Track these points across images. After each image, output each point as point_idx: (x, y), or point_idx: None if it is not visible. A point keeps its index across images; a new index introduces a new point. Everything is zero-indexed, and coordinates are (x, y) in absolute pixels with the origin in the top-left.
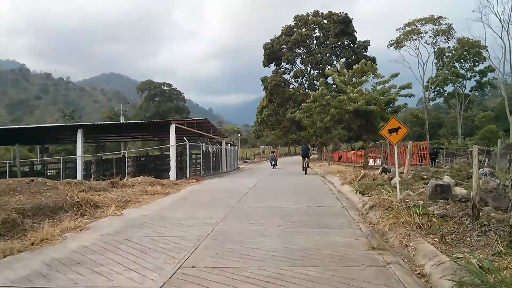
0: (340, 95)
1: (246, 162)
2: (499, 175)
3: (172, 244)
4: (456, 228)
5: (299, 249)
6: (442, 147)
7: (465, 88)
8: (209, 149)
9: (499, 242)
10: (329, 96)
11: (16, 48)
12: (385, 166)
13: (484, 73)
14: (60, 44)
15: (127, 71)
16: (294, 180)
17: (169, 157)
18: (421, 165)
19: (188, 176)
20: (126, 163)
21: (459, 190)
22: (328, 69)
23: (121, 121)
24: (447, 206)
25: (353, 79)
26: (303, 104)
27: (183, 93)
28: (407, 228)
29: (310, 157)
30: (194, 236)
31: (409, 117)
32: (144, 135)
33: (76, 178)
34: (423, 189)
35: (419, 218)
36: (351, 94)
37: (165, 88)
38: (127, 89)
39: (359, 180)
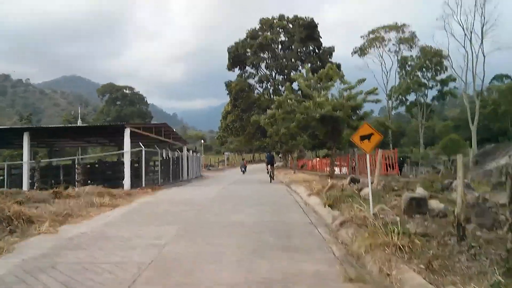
0: (305, 101)
1: (210, 169)
2: (476, 187)
3: (104, 275)
4: (441, 251)
5: (262, 281)
6: (408, 156)
7: (426, 97)
8: (169, 156)
9: (495, 269)
10: (294, 101)
11: None
12: (353, 176)
13: (446, 82)
14: (20, 45)
15: (89, 74)
16: (259, 189)
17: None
18: (387, 175)
19: (143, 185)
20: (76, 170)
21: (436, 204)
22: (294, 74)
23: (72, 125)
24: (426, 223)
25: (319, 84)
26: (268, 111)
27: (145, 97)
28: (386, 251)
29: (275, 165)
30: (135, 262)
31: (374, 125)
32: (100, 140)
33: (22, 187)
34: (396, 201)
35: (398, 239)
36: (317, 99)
37: (127, 91)
38: (88, 92)
39: (326, 191)
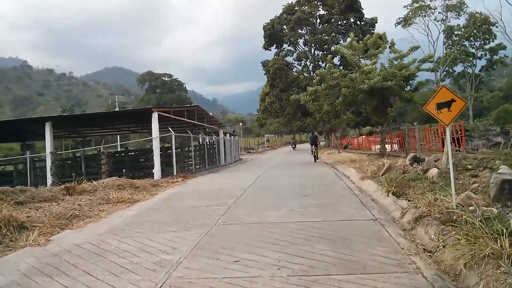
0: (351, 73)
1: (249, 152)
2: None
3: None
4: None
5: None
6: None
7: (475, 67)
8: (204, 141)
9: None
10: (338, 73)
11: (18, 45)
12: (416, 155)
13: (495, 51)
14: (62, 39)
15: (130, 64)
16: (302, 174)
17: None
18: (458, 151)
19: (175, 173)
20: (100, 160)
21: None
22: (336, 47)
23: (96, 112)
24: None
25: (365, 54)
26: (308, 87)
27: (184, 83)
28: (501, 270)
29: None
30: None
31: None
32: (131, 127)
33: (46, 182)
34: (476, 184)
35: None
36: (365, 68)
37: (166, 79)
38: (130, 82)
39: (383, 174)
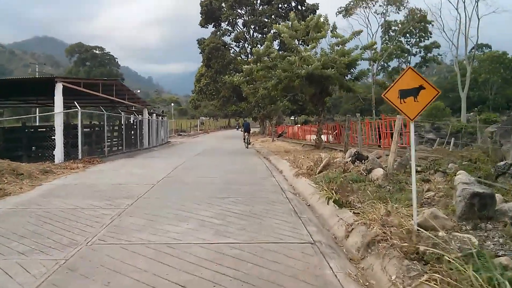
0: (289, 56)
1: (181, 135)
2: None
3: None
4: None
5: None
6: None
7: (409, 63)
8: (122, 120)
9: None
10: (275, 53)
11: None
12: (357, 151)
13: (429, 48)
14: None
15: (62, 36)
16: (230, 165)
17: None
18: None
19: (79, 157)
20: None
21: (507, 204)
22: (276, 25)
23: None
24: None
25: (306, 37)
26: (244, 66)
27: (116, 58)
28: None
29: (251, 132)
30: None
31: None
32: (38, 99)
33: None
34: (430, 193)
35: None
36: (303, 53)
37: (97, 52)
38: (61, 54)
39: (321, 171)
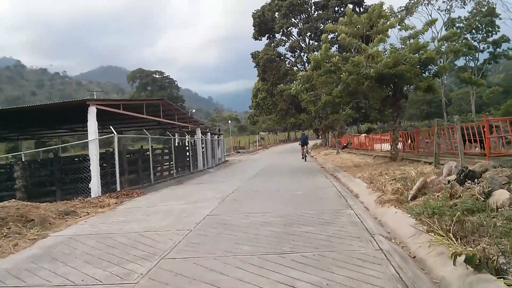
0: (354, 57)
1: (239, 152)
2: None
3: None
4: None
5: None
6: None
7: (477, 61)
8: (172, 143)
9: None
10: (338, 57)
11: (12, 45)
12: (464, 166)
13: (498, 43)
14: (57, 39)
15: (125, 63)
16: (290, 191)
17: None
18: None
19: (118, 188)
20: (14, 172)
21: None
22: (331, 24)
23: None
24: None
25: (370, 30)
26: (300, 73)
27: (176, 80)
28: None
29: (313, 144)
30: None
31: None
32: (73, 126)
33: None
34: None
35: None
36: (370, 50)
37: (157, 76)
38: (124, 81)
39: (415, 195)
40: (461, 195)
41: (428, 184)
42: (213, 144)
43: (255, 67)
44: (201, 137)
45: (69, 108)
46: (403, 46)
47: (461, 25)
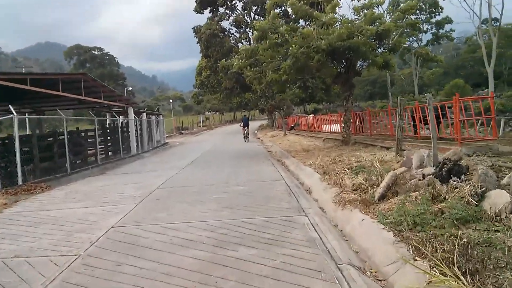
0: (303, 27)
1: (182, 133)
2: None
3: None
4: None
5: None
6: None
7: (421, 41)
8: (95, 125)
9: None
10: (286, 27)
11: None
12: (447, 158)
13: (441, 24)
14: None
15: (64, 40)
16: (228, 186)
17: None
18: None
19: (19, 182)
20: None
21: None
22: None
23: None
24: None
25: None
26: (242, 47)
27: (116, 57)
28: None
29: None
30: None
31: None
32: None
33: None
34: None
35: None
36: (324, 18)
37: (96, 52)
38: (63, 58)
39: (384, 195)
40: (446, 196)
41: (399, 179)
42: (150, 125)
43: (197, 42)
44: (135, 118)
45: None
46: (356, 17)
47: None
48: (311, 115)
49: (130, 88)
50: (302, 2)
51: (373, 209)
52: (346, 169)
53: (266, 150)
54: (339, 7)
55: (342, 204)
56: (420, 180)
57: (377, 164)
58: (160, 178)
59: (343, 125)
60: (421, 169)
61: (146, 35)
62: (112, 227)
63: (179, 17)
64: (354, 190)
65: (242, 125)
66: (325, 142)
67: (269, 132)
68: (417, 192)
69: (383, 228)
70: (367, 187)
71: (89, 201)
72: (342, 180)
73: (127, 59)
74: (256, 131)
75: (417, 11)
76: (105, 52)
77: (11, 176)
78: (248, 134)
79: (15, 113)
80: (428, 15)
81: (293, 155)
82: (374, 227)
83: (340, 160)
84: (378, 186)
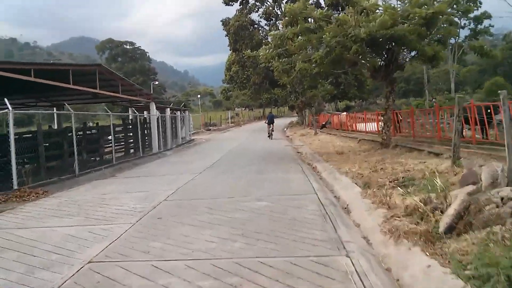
0: (338, 14)
1: (209, 129)
2: None
3: None
4: None
5: None
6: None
7: (458, 37)
8: (111, 121)
9: None
10: (320, 13)
11: None
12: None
13: (480, 20)
14: (28, 8)
15: (98, 34)
16: (248, 201)
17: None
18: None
19: (15, 187)
20: None
21: None
22: None
23: None
24: None
25: None
26: (271, 33)
27: (147, 52)
28: None
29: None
30: None
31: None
32: None
33: None
34: None
35: None
36: (365, 3)
37: (128, 47)
38: (96, 52)
39: (450, 226)
40: None
41: (474, 208)
42: (174, 122)
43: (226, 35)
44: (156, 113)
45: None
46: (400, 3)
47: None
48: (344, 113)
49: (157, 83)
50: None
51: (441, 248)
52: (391, 181)
53: (295, 151)
54: None
55: (394, 235)
56: (498, 206)
57: (438, 181)
58: (171, 185)
59: (381, 125)
60: (496, 189)
61: (179, 30)
62: (89, 262)
63: (211, 12)
64: (407, 215)
65: (267, 122)
66: (360, 144)
67: (299, 130)
68: (500, 226)
69: None
70: (425, 211)
71: (79, 216)
72: (390, 198)
73: (160, 54)
74: (285, 129)
75: (454, 5)
76: (136, 46)
77: (6, 178)
78: (272, 131)
79: (10, 108)
80: (465, 10)
81: (325, 158)
82: (448, 281)
83: (382, 168)
84: (441, 211)
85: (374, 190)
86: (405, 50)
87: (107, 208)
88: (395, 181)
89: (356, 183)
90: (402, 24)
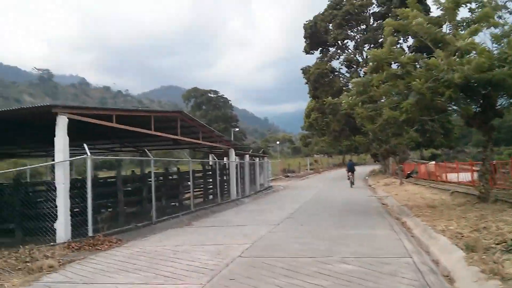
0: (428, 57)
1: (288, 176)
2: None
3: None
4: None
5: None
6: None
7: None
8: (189, 168)
9: None
10: (407, 57)
11: (78, 63)
12: None
13: None
14: (120, 59)
15: (185, 83)
16: (329, 262)
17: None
18: None
19: (90, 234)
20: None
21: None
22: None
23: None
24: None
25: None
26: (353, 80)
27: (230, 100)
28: None
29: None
30: None
31: None
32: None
33: None
34: None
35: None
36: (460, 43)
37: (212, 95)
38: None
39: None
40: None
41: None
42: (253, 168)
43: (306, 83)
44: (235, 160)
45: (33, 119)
46: (495, 45)
47: None
48: (433, 162)
49: (237, 129)
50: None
51: None
52: (498, 243)
53: (380, 203)
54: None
55: None
56: None
57: None
58: (246, 239)
59: (477, 176)
60: None
61: (260, 78)
62: None
63: (291, 60)
64: None
65: (347, 169)
66: (454, 197)
67: (382, 179)
68: None
69: None
70: None
71: (147, 272)
72: (502, 266)
73: (242, 102)
74: (366, 177)
75: None
76: (219, 95)
77: (83, 224)
78: (353, 179)
79: (89, 153)
80: None
81: (415, 212)
82: None
83: (485, 227)
84: None
85: (480, 254)
86: (504, 95)
87: (177, 263)
88: (503, 244)
89: (456, 244)
90: (498, 68)
